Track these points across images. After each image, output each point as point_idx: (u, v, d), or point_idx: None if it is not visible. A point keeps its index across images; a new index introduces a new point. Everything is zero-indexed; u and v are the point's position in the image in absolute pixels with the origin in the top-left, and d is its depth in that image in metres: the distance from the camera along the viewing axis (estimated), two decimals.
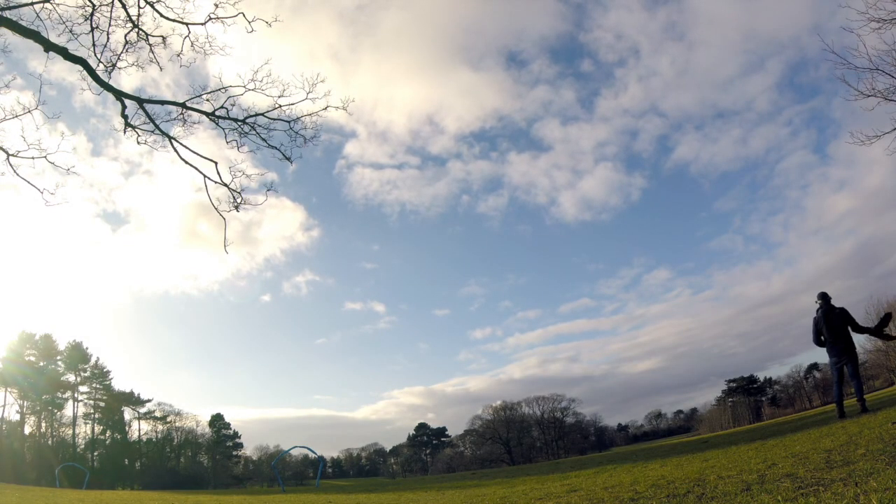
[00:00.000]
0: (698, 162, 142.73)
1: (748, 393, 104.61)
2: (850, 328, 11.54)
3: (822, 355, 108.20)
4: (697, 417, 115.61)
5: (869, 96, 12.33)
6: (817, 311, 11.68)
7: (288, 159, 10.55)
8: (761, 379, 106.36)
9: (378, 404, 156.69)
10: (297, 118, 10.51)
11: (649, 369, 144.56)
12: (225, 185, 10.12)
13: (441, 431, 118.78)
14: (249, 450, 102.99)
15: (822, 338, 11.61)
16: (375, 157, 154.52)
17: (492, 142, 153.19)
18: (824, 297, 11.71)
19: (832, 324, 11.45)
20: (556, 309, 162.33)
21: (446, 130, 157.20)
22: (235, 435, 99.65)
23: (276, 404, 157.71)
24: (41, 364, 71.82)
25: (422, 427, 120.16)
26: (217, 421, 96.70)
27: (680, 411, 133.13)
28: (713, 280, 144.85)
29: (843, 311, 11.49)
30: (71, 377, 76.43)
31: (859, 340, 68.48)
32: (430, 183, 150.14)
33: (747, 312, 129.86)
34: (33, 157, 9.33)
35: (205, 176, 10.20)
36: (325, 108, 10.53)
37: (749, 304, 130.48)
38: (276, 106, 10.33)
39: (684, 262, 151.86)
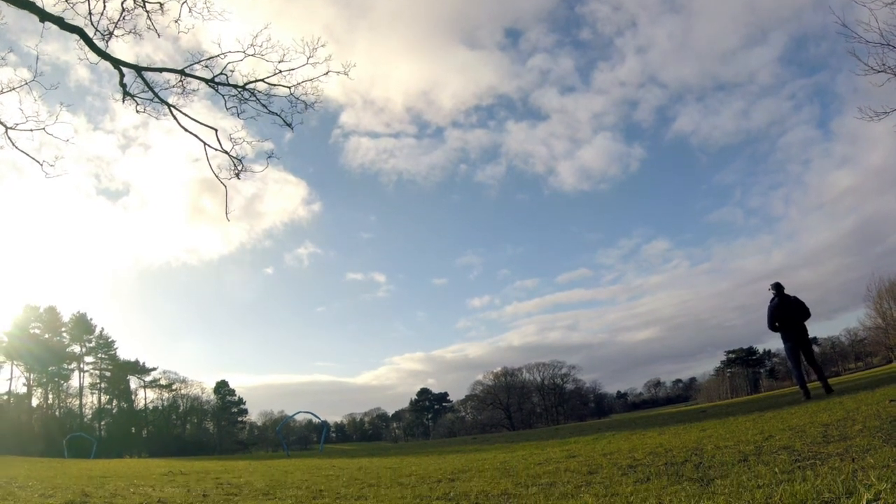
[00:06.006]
0: (699, 134, 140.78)
1: (747, 364, 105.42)
2: (803, 316, 11.85)
3: (819, 330, 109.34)
4: (696, 387, 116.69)
5: (879, 72, 12.17)
6: (773, 299, 11.92)
7: (288, 125, 10.50)
8: (760, 351, 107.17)
9: (379, 370, 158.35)
10: (298, 83, 10.43)
11: (647, 339, 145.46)
12: (225, 152, 10.10)
13: (442, 397, 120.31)
14: (254, 415, 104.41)
15: (777, 324, 11.90)
16: (371, 125, 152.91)
17: (489, 111, 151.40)
18: (778, 287, 11.99)
19: (788, 311, 11.75)
20: (554, 278, 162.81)
21: (443, 108, 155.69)
22: (240, 401, 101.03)
23: (279, 371, 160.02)
24: (46, 336, 72.46)
25: (424, 392, 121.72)
26: (222, 388, 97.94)
27: (679, 380, 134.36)
28: (712, 252, 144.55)
29: (797, 299, 11.85)
30: (76, 348, 77.28)
31: (859, 318, 68.77)
32: (427, 152, 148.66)
33: (746, 285, 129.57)
34: (32, 130, 9.33)
35: (205, 143, 10.16)
36: (327, 73, 10.45)
37: (748, 277, 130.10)
38: (277, 71, 10.24)
39: (683, 233, 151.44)
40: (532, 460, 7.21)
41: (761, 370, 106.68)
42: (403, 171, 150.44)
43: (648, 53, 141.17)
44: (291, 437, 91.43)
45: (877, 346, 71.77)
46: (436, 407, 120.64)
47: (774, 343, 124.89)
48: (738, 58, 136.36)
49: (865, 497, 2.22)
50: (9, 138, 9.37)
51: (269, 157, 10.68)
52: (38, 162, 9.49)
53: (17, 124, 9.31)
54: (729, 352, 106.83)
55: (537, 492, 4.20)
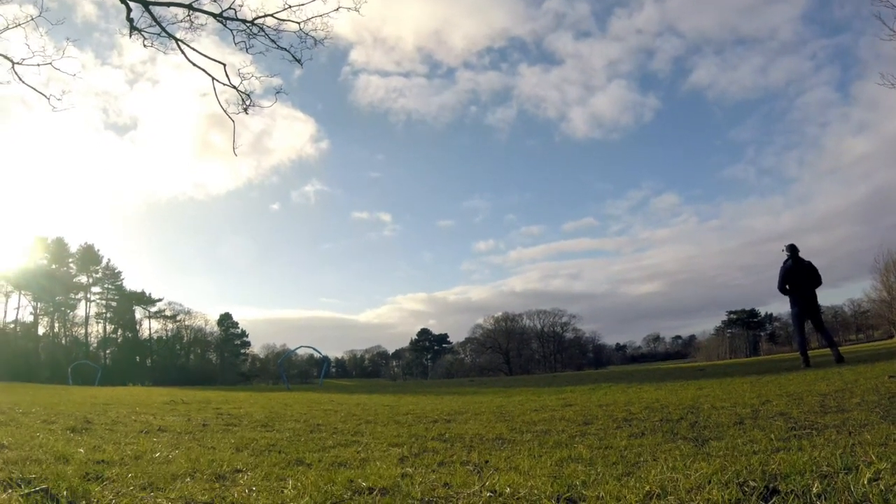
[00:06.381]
0: (715, 87, 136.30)
1: (748, 326, 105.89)
2: (815, 283, 11.69)
3: (823, 298, 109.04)
4: (695, 345, 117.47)
5: None
6: (786, 261, 11.69)
7: (297, 61, 10.29)
8: (762, 314, 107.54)
9: (381, 309, 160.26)
10: (308, 19, 10.19)
11: (650, 293, 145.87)
12: (233, 87, 9.94)
13: (443, 338, 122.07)
14: (257, 348, 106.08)
15: (787, 287, 11.73)
16: (381, 64, 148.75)
17: (502, 53, 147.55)
18: (793, 249, 11.75)
19: (800, 276, 11.57)
20: (559, 226, 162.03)
21: (454, 48, 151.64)
22: (243, 334, 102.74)
23: (283, 305, 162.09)
24: (53, 267, 73.42)
25: (424, 332, 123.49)
26: (225, 320, 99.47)
27: (678, 337, 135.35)
28: (721, 209, 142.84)
29: (811, 265, 11.63)
30: (83, 279, 78.36)
31: (864, 289, 68.34)
32: (437, 92, 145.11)
33: (753, 245, 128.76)
34: (38, 65, 9.23)
35: (213, 78, 9.99)
36: (337, 9, 10.20)
37: (756, 237, 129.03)
38: (286, 6, 9.99)
39: (693, 188, 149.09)
40: (528, 406, 7.32)
41: (762, 333, 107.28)
42: (412, 111, 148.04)
43: (667, 1, 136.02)
44: (292, 371, 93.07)
45: (879, 319, 71.31)
46: (435, 348, 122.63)
47: (777, 307, 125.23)
48: (759, 12, 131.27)
49: (866, 475, 2.19)
50: (15, 73, 9.28)
51: (278, 92, 10.55)
52: (45, 96, 9.42)
53: (24, 59, 9.23)
54: (731, 312, 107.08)
55: (531, 438, 4.25)
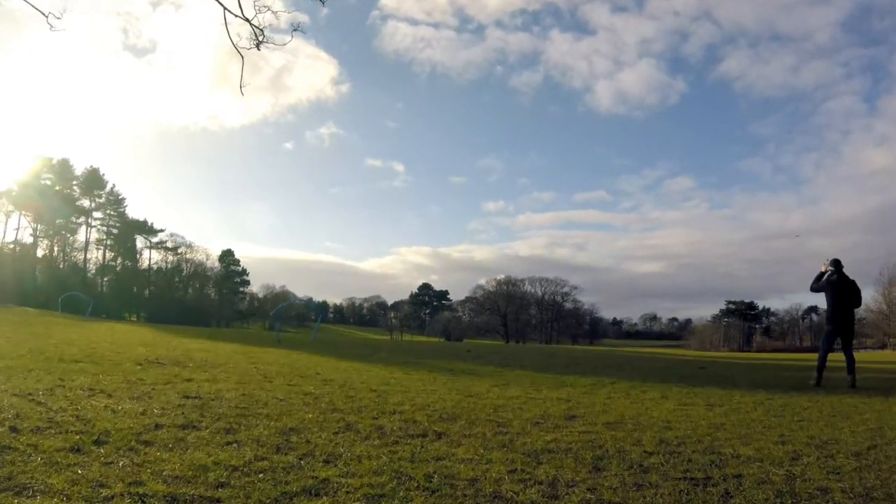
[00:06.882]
0: (744, 80, 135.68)
1: (745, 318, 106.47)
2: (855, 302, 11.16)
3: (820, 300, 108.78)
4: (690, 328, 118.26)
5: None
6: (831, 275, 11.03)
7: (321, 0, 9.32)
8: (760, 307, 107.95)
9: (385, 259, 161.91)
10: None
11: (653, 272, 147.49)
12: (246, 20, 9.00)
13: (443, 294, 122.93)
14: (256, 287, 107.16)
15: (821, 290, 11.21)
16: (412, 12, 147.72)
17: (535, 16, 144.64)
18: (838, 265, 11.11)
19: (842, 294, 10.96)
20: (571, 196, 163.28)
21: (488, 5, 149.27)
22: (244, 272, 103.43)
23: (286, 245, 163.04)
24: (57, 188, 72.97)
25: (425, 287, 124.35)
26: (227, 257, 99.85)
27: (675, 319, 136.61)
28: (733, 200, 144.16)
29: (854, 284, 11.03)
30: (86, 202, 78.35)
31: (864, 299, 68.88)
32: (465, 47, 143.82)
33: (761, 241, 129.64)
34: None
35: (224, 7, 9.06)
36: None
37: (764, 231, 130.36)
38: None
39: (709, 175, 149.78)
40: (528, 413, 6.82)
41: (757, 326, 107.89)
42: (438, 64, 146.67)
43: None
44: (290, 314, 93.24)
45: (874, 329, 72.40)
46: (435, 303, 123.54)
47: (775, 303, 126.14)
48: (799, 11, 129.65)
49: None
50: None
51: (295, 29, 9.54)
52: (42, 14, 8.49)
53: None
54: (730, 302, 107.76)
55: (536, 497, 3.63)
